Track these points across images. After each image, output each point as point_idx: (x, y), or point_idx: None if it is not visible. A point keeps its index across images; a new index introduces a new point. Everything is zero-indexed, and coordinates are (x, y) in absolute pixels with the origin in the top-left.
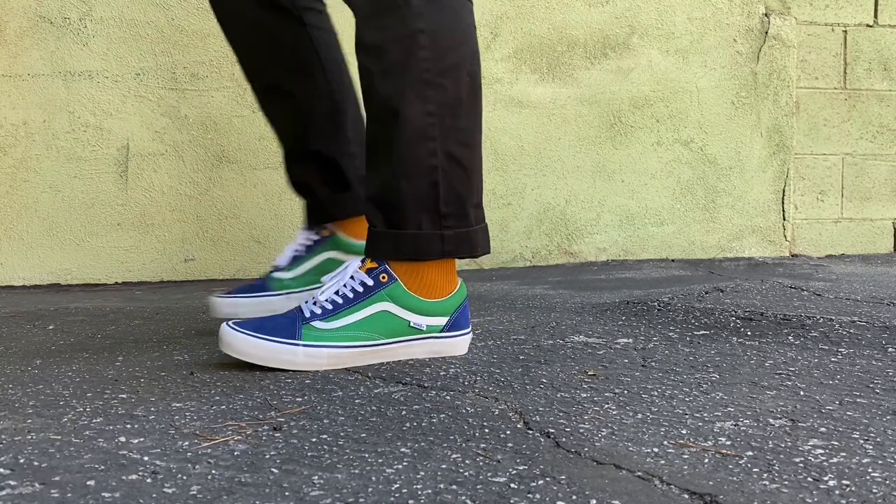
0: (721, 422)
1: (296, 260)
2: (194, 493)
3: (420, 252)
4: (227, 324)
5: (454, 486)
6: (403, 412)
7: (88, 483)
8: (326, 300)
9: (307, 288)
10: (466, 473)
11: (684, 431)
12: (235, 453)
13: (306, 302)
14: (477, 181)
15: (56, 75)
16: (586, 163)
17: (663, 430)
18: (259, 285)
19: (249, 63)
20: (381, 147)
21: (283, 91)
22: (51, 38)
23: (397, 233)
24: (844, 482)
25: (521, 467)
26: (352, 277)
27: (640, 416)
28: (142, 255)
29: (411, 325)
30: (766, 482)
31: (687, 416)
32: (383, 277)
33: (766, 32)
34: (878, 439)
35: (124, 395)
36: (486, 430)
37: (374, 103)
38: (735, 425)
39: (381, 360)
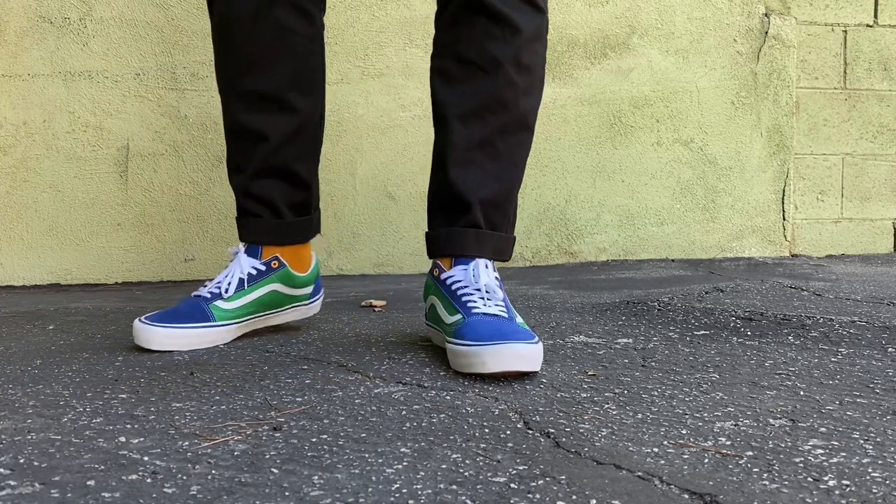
0: (721, 422)
1: (239, 288)
2: (194, 493)
3: (510, 253)
4: (140, 319)
5: (454, 486)
6: (403, 412)
7: (88, 483)
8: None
9: (248, 318)
10: (466, 473)
11: (684, 431)
12: (235, 453)
13: (203, 286)
14: None
15: (56, 75)
16: (586, 163)
17: (663, 430)
18: (195, 313)
19: (249, 68)
20: (505, 157)
21: (285, 104)
22: (51, 38)
23: (500, 235)
24: (844, 482)
25: (521, 467)
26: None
27: (640, 416)
28: (142, 255)
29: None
30: (766, 482)
31: (687, 416)
32: (274, 264)
33: (766, 32)
34: (878, 439)
35: (124, 395)
36: (486, 430)
37: (510, 116)
38: (735, 425)
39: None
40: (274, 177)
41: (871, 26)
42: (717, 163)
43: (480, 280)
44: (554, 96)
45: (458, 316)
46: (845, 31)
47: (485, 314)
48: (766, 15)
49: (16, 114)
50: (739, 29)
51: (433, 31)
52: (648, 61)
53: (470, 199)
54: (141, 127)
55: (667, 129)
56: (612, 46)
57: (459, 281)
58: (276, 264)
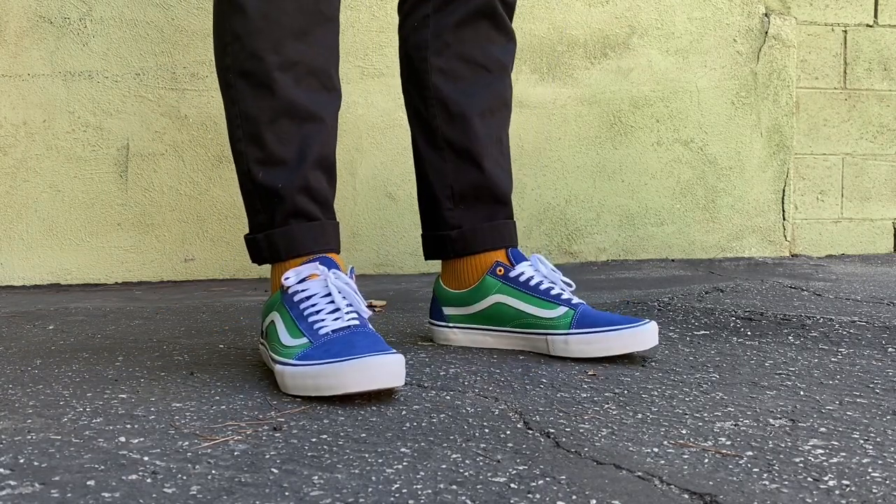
0: (721, 422)
1: None
2: (194, 493)
3: None
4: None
5: (454, 486)
6: (403, 412)
7: (88, 483)
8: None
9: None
10: (466, 473)
11: (684, 431)
12: (235, 453)
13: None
14: None
15: (56, 75)
16: (586, 163)
17: (663, 430)
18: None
19: (300, 35)
20: (508, 153)
21: (331, 81)
22: (51, 38)
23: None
24: (844, 482)
25: (521, 467)
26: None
27: (640, 416)
28: (142, 255)
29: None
30: (766, 482)
31: (687, 416)
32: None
33: (766, 32)
34: (878, 439)
35: (124, 395)
36: (486, 430)
37: (508, 115)
38: (735, 425)
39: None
40: (328, 170)
41: (871, 26)
42: (717, 163)
43: (552, 272)
44: (554, 96)
45: (565, 308)
46: (845, 31)
47: (587, 305)
48: (766, 15)
49: (16, 114)
50: (739, 29)
51: None
52: (648, 61)
53: (506, 192)
54: (141, 127)
55: (667, 129)
56: (612, 46)
57: (532, 277)
58: None
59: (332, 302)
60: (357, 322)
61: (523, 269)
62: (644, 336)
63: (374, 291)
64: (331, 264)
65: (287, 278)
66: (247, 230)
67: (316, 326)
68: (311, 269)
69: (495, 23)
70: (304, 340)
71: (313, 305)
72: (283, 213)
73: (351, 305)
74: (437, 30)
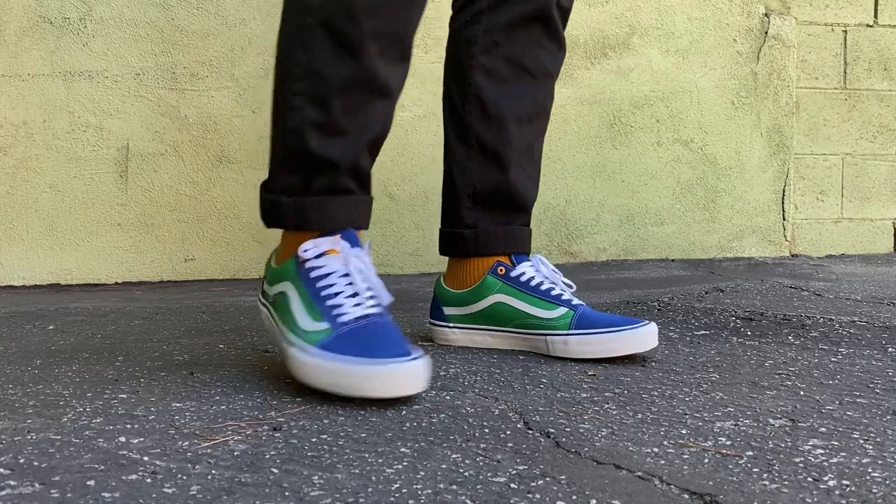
0: (721, 422)
1: None
2: (194, 493)
3: None
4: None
5: (454, 486)
6: (403, 412)
7: (88, 483)
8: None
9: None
10: (466, 473)
11: (684, 431)
12: (235, 453)
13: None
14: None
15: (56, 75)
16: (586, 163)
17: (663, 430)
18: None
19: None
20: (538, 162)
21: (408, 52)
22: (51, 38)
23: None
24: (844, 482)
25: (521, 467)
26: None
27: (640, 416)
28: (142, 255)
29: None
30: (766, 482)
31: (687, 416)
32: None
33: (766, 32)
34: (878, 439)
35: (124, 395)
36: (486, 430)
37: (545, 124)
38: (735, 425)
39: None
40: (378, 148)
41: (871, 26)
42: (717, 163)
43: (553, 272)
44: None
45: (564, 309)
46: (845, 31)
47: (587, 306)
48: (766, 15)
49: (16, 114)
50: (739, 29)
51: (436, 31)
52: (648, 61)
53: (529, 200)
54: (141, 127)
55: (667, 129)
56: (612, 46)
57: (533, 277)
58: None
59: (352, 284)
60: (377, 310)
61: (524, 270)
62: (644, 337)
63: None
64: (354, 240)
65: (306, 250)
66: (245, 230)
67: (335, 312)
68: (331, 244)
69: (548, 29)
70: (324, 326)
71: (331, 286)
72: (325, 184)
73: (371, 290)
74: (489, 27)
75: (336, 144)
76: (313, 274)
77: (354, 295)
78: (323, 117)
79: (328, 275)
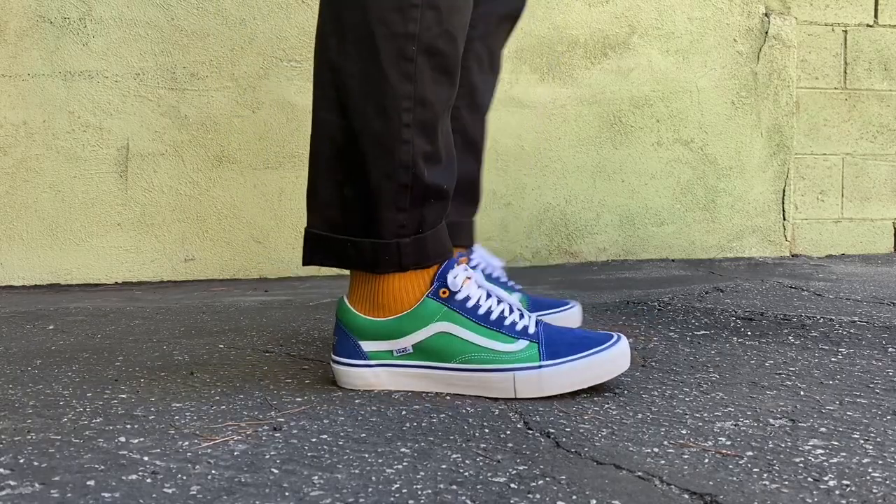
0: (721, 422)
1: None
2: (194, 493)
3: None
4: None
5: (454, 486)
6: (403, 412)
7: (88, 483)
8: None
9: None
10: (466, 473)
11: (684, 431)
12: (235, 453)
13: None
14: None
15: (56, 75)
16: (586, 163)
17: (663, 430)
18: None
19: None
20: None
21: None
22: (51, 38)
23: None
24: (844, 482)
25: (521, 467)
26: None
27: (640, 416)
28: (142, 255)
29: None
30: (766, 482)
31: (687, 416)
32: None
33: (766, 32)
34: (878, 439)
35: (124, 395)
36: (486, 430)
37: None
38: (735, 425)
39: None
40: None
41: (871, 26)
42: (717, 163)
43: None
44: (554, 96)
45: (525, 342)
46: (845, 31)
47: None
48: (766, 15)
49: (16, 114)
50: (739, 29)
51: None
52: (648, 61)
53: (481, 191)
54: (141, 127)
55: (667, 129)
56: (612, 46)
57: (479, 299)
58: None
59: (500, 302)
60: (531, 315)
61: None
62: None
63: None
64: (455, 262)
65: (455, 287)
66: (245, 230)
67: (518, 329)
68: (464, 273)
69: (511, 30)
70: (524, 343)
71: (490, 310)
72: (436, 215)
73: (508, 302)
74: (487, 14)
75: (441, 172)
76: (469, 304)
77: (511, 310)
78: (430, 147)
79: (478, 301)
